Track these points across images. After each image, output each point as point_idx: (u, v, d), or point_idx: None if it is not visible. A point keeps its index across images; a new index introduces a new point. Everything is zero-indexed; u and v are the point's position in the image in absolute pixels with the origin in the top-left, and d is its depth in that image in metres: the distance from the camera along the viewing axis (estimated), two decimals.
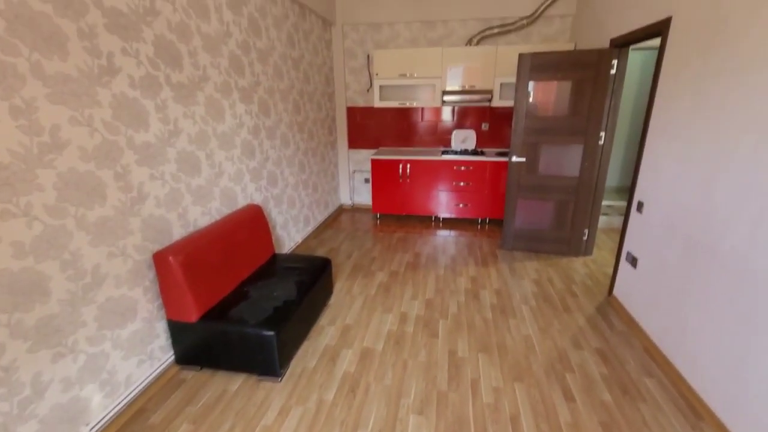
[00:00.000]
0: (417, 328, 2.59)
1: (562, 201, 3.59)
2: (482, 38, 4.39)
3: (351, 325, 2.63)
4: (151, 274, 2.00)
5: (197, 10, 2.29)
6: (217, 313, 2.11)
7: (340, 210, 5.26)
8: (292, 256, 2.88)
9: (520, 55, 3.34)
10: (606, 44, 3.26)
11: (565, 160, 3.50)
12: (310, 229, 4.23)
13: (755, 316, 1.61)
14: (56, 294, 1.53)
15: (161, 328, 2.10)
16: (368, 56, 4.75)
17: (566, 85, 3.34)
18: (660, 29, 2.44)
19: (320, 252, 3.88)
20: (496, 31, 4.34)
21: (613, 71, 3.14)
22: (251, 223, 2.66)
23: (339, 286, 3.17)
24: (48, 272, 1.49)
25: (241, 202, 2.85)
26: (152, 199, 1.99)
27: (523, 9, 4.24)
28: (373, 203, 4.77)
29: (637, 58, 5.02)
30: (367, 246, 4.03)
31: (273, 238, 3.30)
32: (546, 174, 3.57)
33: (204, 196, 2.41)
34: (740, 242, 1.71)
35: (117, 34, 1.74)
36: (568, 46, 4.13)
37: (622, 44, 3.05)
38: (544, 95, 3.44)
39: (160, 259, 1.96)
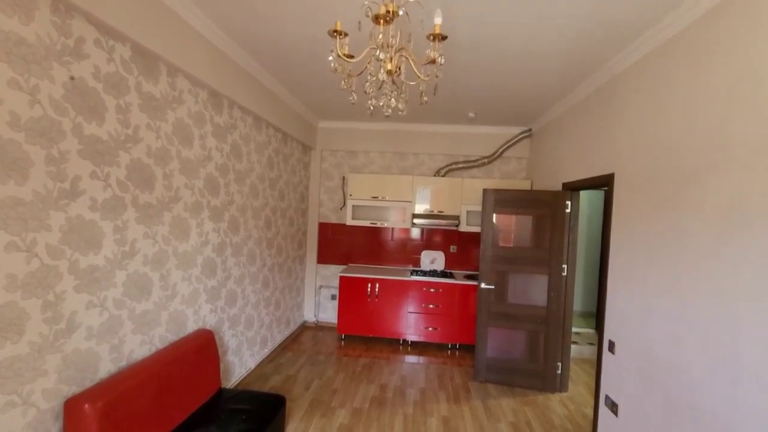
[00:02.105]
0: None
1: (533, 331, 3.52)
2: (449, 170, 4.83)
3: None
4: (57, 427, 1.62)
5: (181, 137, 2.38)
6: None
7: (303, 328, 4.90)
8: (240, 394, 2.51)
9: (485, 191, 3.63)
10: (559, 185, 3.63)
11: (532, 290, 3.55)
12: (267, 351, 3.83)
13: None
14: None
15: None
16: (344, 178, 5.04)
17: (528, 219, 3.58)
18: (605, 181, 2.75)
19: (275, 381, 3.44)
20: (461, 165, 4.81)
21: (567, 210, 3.43)
22: (198, 353, 2.36)
23: (292, 429, 2.72)
24: None
25: (191, 327, 2.57)
26: (83, 330, 1.73)
27: (484, 150, 4.79)
28: (338, 323, 4.50)
29: (583, 194, 5.62)
30: (329, 374, 3.64)
31: (222, 367, 2.93)
32: (515, 302, 3.57)
33: (148, 322, 2.15)
34: (721, 404, 1.63)
35: (90, 160, 1.73)
36: (525, 183, 4.59)
37: (573, 188, 3.41)
38: (509, 227, 3.65)
39: (72, 407, 1.61)
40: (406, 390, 3.40)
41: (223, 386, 2.78)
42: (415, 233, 4.99)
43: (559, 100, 3.58)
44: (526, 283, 3.57)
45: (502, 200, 3.59)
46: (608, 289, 2.62)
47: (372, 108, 1.79)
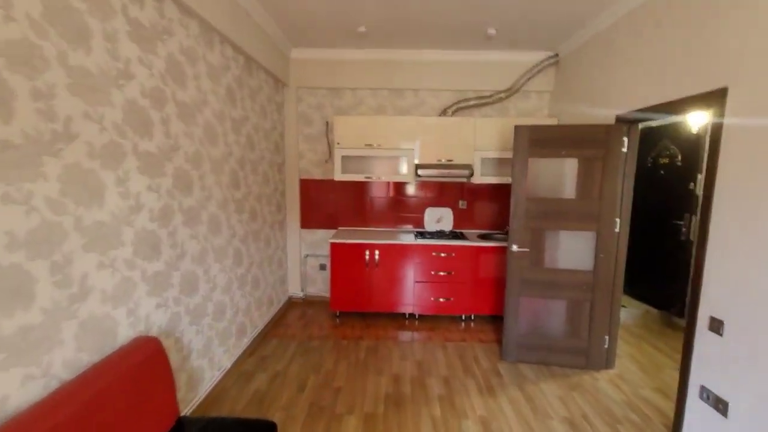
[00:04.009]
0: None
1: (576, 300, 2.88)
2: (458, 109, 3.95)
3: None
4: None
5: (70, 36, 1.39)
6: None
7: (289, 305, 4.13)
8: (210, 425, 1.73)
9: (517, 128, 2.81)
10: (603, 121, 2.86)
11: (575, 251, 2.87)
12: (246, 341, 3.05)
13: None
14: None
15: None
16: (327, 123, 4.07)
17: (571, 164, 2.82)
18: (705, 102, 1.98)
19: (260, 381, 2.69)
20: (472, 102, 3.93)
21: (624, 149, 2.69)
22: (136, 374, 1.53)
23: None
24: None
25: (124, 337, 1.71)
26: None
27: (499, 82, 3.91)
28: (331, 299, 3.75)
29: None
30: (327, 365, 2.93)
31: (183, 378, 2.13)
32: (554, 267, 2.90)
33: (35, 344, 1.29)
34: None
35: None
36: (551, 121, 3.80)
37: (633, 120, 2.65)
38: (547, 174, 2.89)
39: None
40: (426, 380, 2.75)
41: (183, 414, 2.01)
42: (418, 189, 4.17)
43: (609, 7, 2.72)
44: (568, 244, 2.89)
45: (539, 140, 2.80)
46: (708, 248, 1.94)
47: None
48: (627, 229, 2.77)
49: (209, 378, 2.48)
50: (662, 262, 3.65)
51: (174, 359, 2.06)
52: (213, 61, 2.46)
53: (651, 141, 3.85)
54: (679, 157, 3.54)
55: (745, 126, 1.76)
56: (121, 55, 1.68)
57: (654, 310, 3.81)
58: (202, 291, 2.37)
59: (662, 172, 3.70)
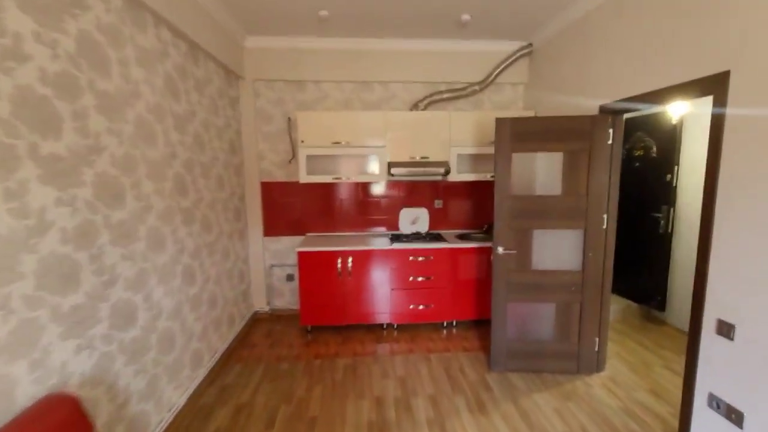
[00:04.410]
0: None
1: (565, 302, 2.72)
2: (430, 103, 3.71)
3: None
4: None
5: None
6: None
7: (254, 321, 3.73)
8: None
9: (499, 121, 2.60)
10: (583, 112, 2.72)
11: (563, 250, 2.71)
12: (203, 371, 2.65)
13: None
14: None
15: None
16: (289, 119, 3.70)
17: (556, 158, 2.64)
18: (704, 88, 1.84)
19: (221, 418, 2.32)
20: (445, 96, 3.70)
21: (609, 141, 2.54)
22: None
23: None
24: None
25: (26, 399, 1.31)
26: None
27: (472, 74, 3.71)
28: (302, 313, 3.40)
29: None
30: (300, 392, 2.59)
31: (120, 430, 1.73)
32: (541, 268, 2.72)
33: None
34: None
35: None
36: (528, 114, 3.64)
37: (617, 111, 2.51)
38: (530, 169, 2.70)
39: None
40: (412, 401, 2.48)
41: None
42: (391, 188, 3.89)
43: None
44: (555, 243, 2.72)
45: (522, 133, 2.60)
46: (712, 247, 1.80)
47: None
48: (614, 225, 2.64)
49: (157, 422, 2.08)
50: (640, 255, 3.60)
51: (105, 412, 1.66)
52: (145, 44, 2.05)
53: (625, 132, 3.78)
54: (654, 149, 3.49)
55: (751, 114, 1.61)
56: (9, 29, 1.27)
57: (634, 305, 3.76)
58: (141, 321, 1.96)
59: (637, 164, 3.64)
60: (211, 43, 2.78)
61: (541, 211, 2.65)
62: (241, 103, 3.57)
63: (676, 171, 3.34)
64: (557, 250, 2.72)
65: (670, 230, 3.41)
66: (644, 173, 3.59)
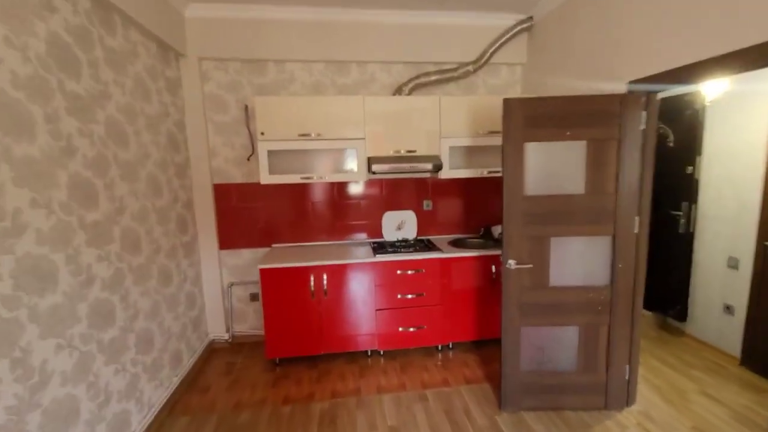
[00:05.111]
0: None
1: (589, 324, 2.23)
2: (416, 86, 3.14)
3: None
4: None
5: None
6: None
7: (210, 353, 3.08)
8: None
9: (507, 102, 2.06)
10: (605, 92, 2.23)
11: (586, 262, 2.22)
12: (139, 429, 2.00)
13: None
14: None
15: None
16: (246, 107, 3.05)
17: (577, 148, 2.14)
18: None
19: None
20: (433, 78, 3.14)
21: (642, 127, 2.06)
22: None
23: None
24: None
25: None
26: None
27: (462, 53, 3.17)
28: (267, 344, 2.78)
29: None
30: None
31: None
32: (560, 285, 2.21)
33: None
34: None
35: None
36: None
37: (648, 90, 2.03)
38: (544, 163, 2.18)
39: None
40: None
41: None
42: (372, 188, 3.31)
43: None
44: (576, 254, 2.22)
45: (537, 117, 2.08)
46: None
47: None
48: (647, 230, 2.16)
49: None
50: (657, 258, 3.18)
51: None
52: None
53: None
54: (671, 138, 3.06)
55: None
56: None
57: (648, 313, 3.35)
58: (33, 382, 1.30)
59: None
60: (135, 5, 2.10)
61: (561, 215, 2.14)
62: (184, 88, 2.89)
63: (698, 162, 2.93)
64: (579, 261, 2.22)
65: (691, 230, 3.00)
66: (660, 166, 3.14)
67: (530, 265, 2.15)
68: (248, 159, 3.09)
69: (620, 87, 2.19)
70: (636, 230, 2.14)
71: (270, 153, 2.80)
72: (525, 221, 2.15)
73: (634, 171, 2.08)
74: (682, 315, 3.09)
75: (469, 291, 2.92)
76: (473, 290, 2.92)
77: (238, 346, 3.20)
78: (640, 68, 2.07)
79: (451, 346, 3.07)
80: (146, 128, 2.32)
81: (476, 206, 3.41)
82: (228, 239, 3.17)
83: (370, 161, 2.85)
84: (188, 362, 2.75)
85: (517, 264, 2.16)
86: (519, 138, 2.08)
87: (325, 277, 2.76)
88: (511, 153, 2.10)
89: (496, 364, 2.76)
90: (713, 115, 2.83)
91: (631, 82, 2.13)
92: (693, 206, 2.97)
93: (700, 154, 2.91)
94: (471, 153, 3.12)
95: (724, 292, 2.83)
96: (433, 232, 3.42)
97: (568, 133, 2.07)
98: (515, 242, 2.16)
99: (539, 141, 2.10)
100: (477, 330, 2.98)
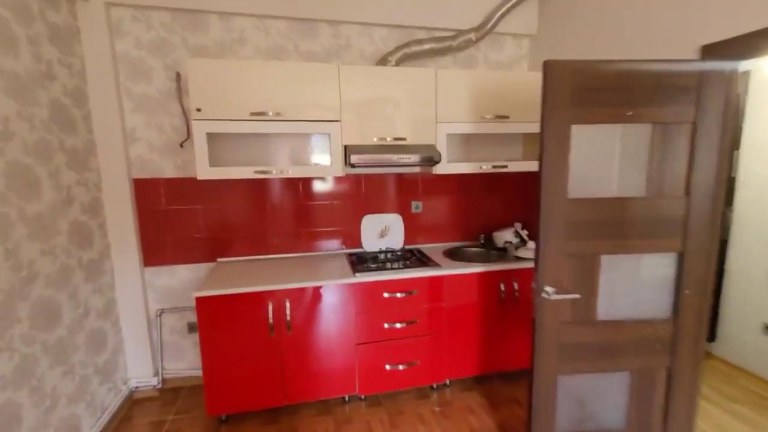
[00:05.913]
0: None
1: (644, 370, 1.70)
2: (403, 57, 2.48)
3: None
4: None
5: None
6: None
7: (131, 406, 2.28)
8: None
9: (549, 66, 1.45)
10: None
11: (641, 287, 1.67)
12: None
13: None
14: None
15: None
16: (178, 74, 2.25)
17: (636, 133, 1.58)
18: None
19: None
20: (425, 47, 2.49)
21: (723, 108, 1.53)
22: None
23: None
24: None
25: None
26: None
27: (462, 17, 2.54)
28: (208, 397, 2.03)
29: None
30: None
31: None
32: (611, 318, 1.65)
33: None
34: None
35: None
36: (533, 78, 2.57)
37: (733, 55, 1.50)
38: (592, 153, 1.61)
39: None
40: None
41: None
42: (349, 185, 2.63)
43: None
44: (628, 275, 1.67)
45: (590, 90, 1.48)
46: None
47: None
48: (717, 246, 1.65)
49: None
50: None
51: None
52: None
53: None
54: None
55: None
56: None
57: None
58: None
59: None
60: None
61: (614, 225, 1.58)
62: (84, 44, 2.05)
63: (735, 158, 2.50)
64: (632, 286, 1.68)
65: (724, 236, 2.58)
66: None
67: (577, 296, 1.57)
68: (181, 145, 2.30)
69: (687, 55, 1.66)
70: (710, 246, 1.62)
71: (210, 137, 2.04)
72: (568, 234, 1.56)
73: (710, 166, 1.55)
74: (710, 334, 2.67)
75: (473, 315, 2.32)
76: (477, 314, 2.33)
77: (171, 393, 2.42)
78: (711, 32, 1.53)
79: (448, 383, 2.47)
80: (3, 91, 1.49)
81: (475, 208, 2.82)
82: (156, 253, 2.36)
83: (348, 151, 2.17)
84: (93, 429, 1.95)
85: (558, 293, 1.57)
86: (565, 118, 1.49)
87: (288, 304, 2.05)
88: (554, 139, 1.50)
89: (506, 407, 2.21)
90: (756, 101, 2.40)
91: (704, 47, 1.59)
92: (727, 208, 2.55)
93: (738, 148, 2.48)
94: (470, 143, 2.52)
95: (763, 309, 2.42)
96: (423, 240, 2.79)
97: (630, 113, 1.50)
98: (554, 261, 1.57)
99: (591, 123, 1.51)
100: (481, 363, 2.39)
